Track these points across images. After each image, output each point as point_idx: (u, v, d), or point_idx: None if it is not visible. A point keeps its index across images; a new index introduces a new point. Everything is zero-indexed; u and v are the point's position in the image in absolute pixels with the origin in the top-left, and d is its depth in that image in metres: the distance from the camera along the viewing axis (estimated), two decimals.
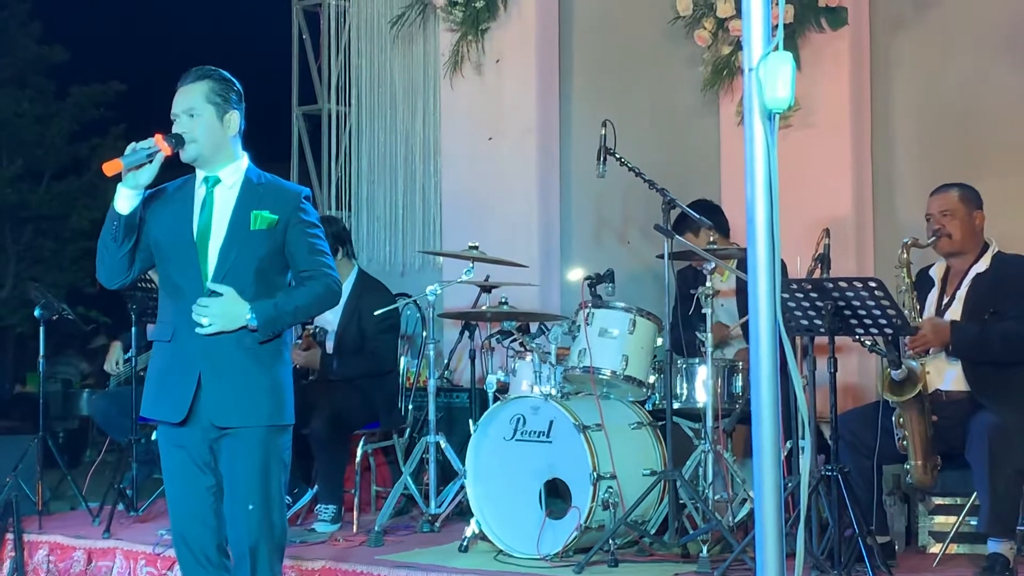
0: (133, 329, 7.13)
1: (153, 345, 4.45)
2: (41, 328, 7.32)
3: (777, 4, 2.22)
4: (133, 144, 4.17)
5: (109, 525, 6.73)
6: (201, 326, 4.17)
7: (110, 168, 4.11)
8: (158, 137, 4.15)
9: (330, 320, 6.82)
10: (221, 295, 4.16)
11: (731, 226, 6.72)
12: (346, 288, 6.87)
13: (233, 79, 4.38)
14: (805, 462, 2.11)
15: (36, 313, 7.29)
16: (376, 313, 6.78)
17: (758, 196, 2.13)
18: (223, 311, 4.16)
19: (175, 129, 4.24)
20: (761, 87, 2.09)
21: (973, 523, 5.47)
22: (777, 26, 2.17)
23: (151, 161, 4.14)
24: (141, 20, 17.96)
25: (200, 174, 4.34)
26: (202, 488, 4.29)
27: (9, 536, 6.74)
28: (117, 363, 7.72)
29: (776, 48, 2.10)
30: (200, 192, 4.33)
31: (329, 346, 6.88)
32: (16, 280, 14.61)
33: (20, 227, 14.80)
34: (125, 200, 4.17)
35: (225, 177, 4.33)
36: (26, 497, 6.95)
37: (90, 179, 15.05)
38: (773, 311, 2.15)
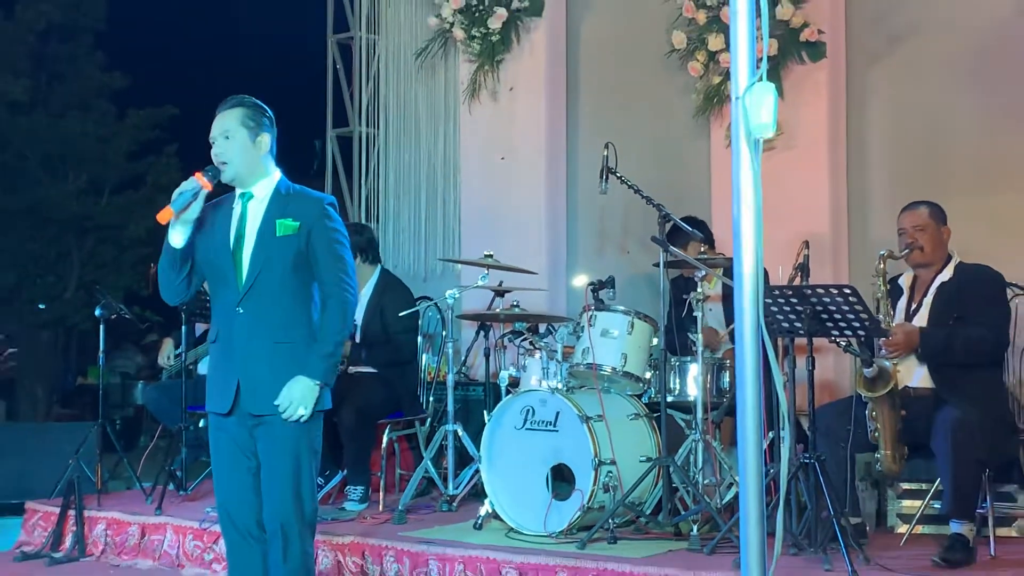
0: (183, 327, 7.16)
1: (210, 346, 4.50)
2: (101, 326, 7.33)
3: (761, 39, 2.20)
4: (179, 189, 4.19)
5: (161, 503, 6.74)
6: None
7: (164, 217, 4.17)
8: (198, 176, 4.18)
9: (356, 315, 6.86)
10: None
11: (717, 238, 6.72)
12: (369, 287, 6.96)
13: (264, 106, 4.43)
14: (785, 451, 2.10)
15: (97, 312, 7.32)
16: (401, 315, 6.81)
17: (744, 212, 2.13)
18: (300, 396, 4.22)
19: (214, 150, 4.27)
20: (747, 114, 2.08)
21: (937, 506, 5.46)
22: (761, 59, 2.16)
23: (196, 199, 4.17)
24: (192, 51, 17.97)
25: (237, 191, 4.38)
26: (243, 470, 4.33)
27: (71, 512, 6.76)
28: (168, 358, 7.74)
29: (760, 79, 2.10)
30: (237, 208, 4.36)
31: (356, 338, 6.89)
32: (79, 283, 14.62)
33: (84, 236, 14.82)
34: (178, 235, 4.23)
35: (257, 192, 4.36)
36: (87, 478, 6.97)
37: (146, 193, 15.09)
38: (756, 314, 2.14)
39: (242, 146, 4.29)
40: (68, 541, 6.76)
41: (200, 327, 7.43)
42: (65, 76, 15.20)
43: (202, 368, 7.50)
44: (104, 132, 15.00)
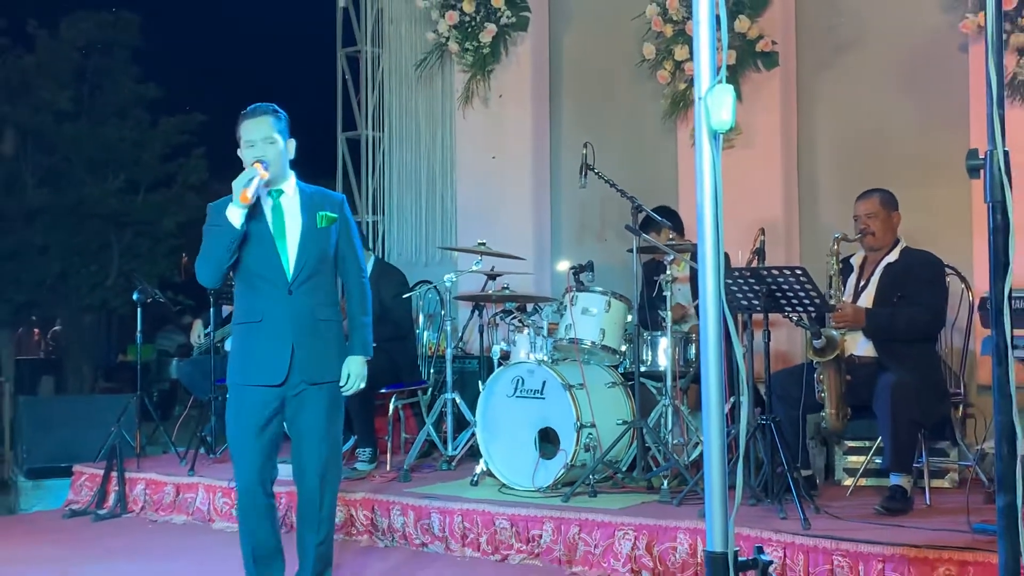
0: (211, 310, 7.16)
1: (237, 326, 4.39)
2: (138, 309, 7.34)
3: (721, 50, 2.20)
4: (243, 175, 4.15)
5: (193, 465, 6.76)
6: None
7: (244, 199, 4.12)
8: (257, 165, 4.15)
9: None
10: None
11: (685, 226, 6.72)
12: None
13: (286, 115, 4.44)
14: (743, 413, 2.10)
15: (134, 297, 7.32)
16: (403, 296, 6.83)
17: (706, 200, 2.13)
18: (356, 372, 4.41)
19: (254, 152, 4.24)
20: (708, 112, 2.08)
21: (878, 461, 5.49)
22: (721, 66, 2.16)
23: (253, 184, 4.14)
24: (217, 65, 17.93)
25: (264, 190, 4.31)
26: (270, 436, 4.34)
27: (114, 474, 6.79)
28: (199, 336, 7.74)
29: (720, 82, 2.10)
30: (268, 203, 4.32)
31: None
32: (119, 272, 14.58)
33: (122, 229, 14.79)
34: (238, 218, 4.18)
35: (286, 189, 4.36)
36: (127, 443, 7.00)
37: (177, 191, 15.08)
38: (719, 293, 2.14)
39: (280, 150, 4.30)
40: (111, 499, 6.77)
41: (226, 309, 7.42)
42: (104, 87, 15.16)
43: (228, 345, 7.49)
44: (139, 137, 14.99)
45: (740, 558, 2.01)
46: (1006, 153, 2.24)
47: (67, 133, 14.19)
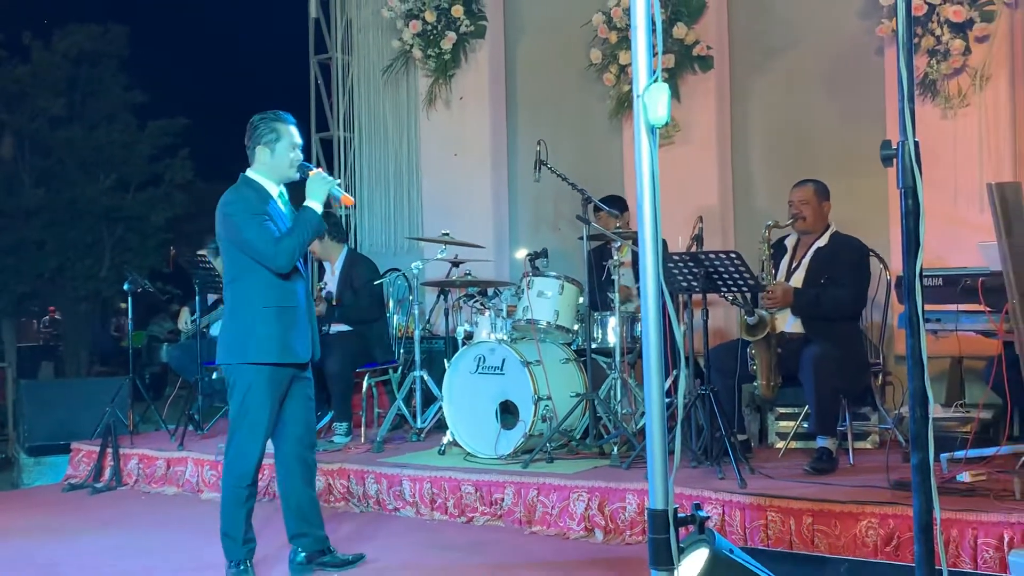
0: (197, 298, 7.10)
1: (270, 309, 4.24)
2: (129, 298, 7.29)
3: (657, 54, 2.19)
4: (331, 181, 4.34)
5: (182, 441, 6.73)
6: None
7: (348, 200, 4.50)
8: (348, 200, 4.53)
9: (331, 284, 6.87)
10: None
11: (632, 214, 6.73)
12: (340, 262, 6.97)
13: None
14: (681, 384, 2.10)
15: (124, 287, 7.27)
16: (374, 283, 6.80)
17: (645, 189, 2.13)
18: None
19: (298, 155, 4.37)
20: (646, 108, 2.08)
21: (806, 426, 5.53)
22: (657, 67, 2.15)
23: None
24: (199, 72, 17.83)
25: (274, 188, 4.36)
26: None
27: (109, 450, 6.74)
28: (186, 323, 7.68)
29: (656, 80, 2.09)
30: (279, 201, 4.36)
31: (332, 302, 6.85)
32: (111, 264, 14.48)
33: (113, 225, 14.68)
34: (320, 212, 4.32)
35: (283, 188, 4.43)
36: (121, 422, 6.95)
37: (164, 189, 15.00)
38: (658, 275, 2.14)
39: None
40: (107, 474, 6.72)
41: (211, 297, 7.37)
42: (95, 94, 15.05)
43: (214, 331, 7.44)
44: (128, 140, 14.90)
45: (680, 514, 2.01)
46: (916, 143, 2.25)
47: (61, 137, 14.13)
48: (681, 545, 2.21)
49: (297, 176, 4.36)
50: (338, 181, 4.39)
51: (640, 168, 2.12)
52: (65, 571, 4.74)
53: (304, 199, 4.32)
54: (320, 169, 4.36)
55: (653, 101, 2.03)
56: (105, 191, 14.50)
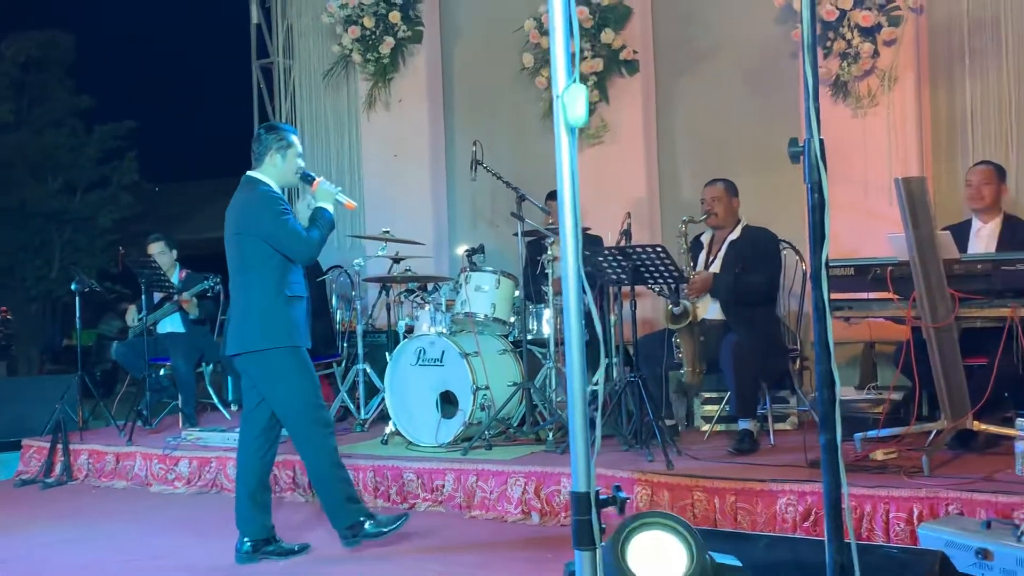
0: (143, 296, 6.98)
1: (289, 297, 4.41)
2: (77, 298, 7.14)
3: (575, 56, 2.19)
4: (334, 187, 4.60)
5: (131, 436, 6.63)
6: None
7: (351, 205, 4.66)
8: (351, 205, 4.68)
9: None
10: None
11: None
12: None
13: None
14: (600, 373, 2.11)
15: (72, 287, 7.14)
16: (318, 280, 6.74)
17: (565, 185, 2.13)
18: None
19: (302, 163, 4.59)
20: (565, 108, 2.08)
21: (729, 409, 5.59)
22: (575, 68, 2.15)
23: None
24: (145, 77, 17.62)
25: (281, 189, 4.59)
26: None
27: (60, 446, 6.61)
28: (133, 320, 7.55)
29: (575, 81, 2.09)
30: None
31: None
32: (61, 265, 14.26)
33: (62, 226, 14.45)
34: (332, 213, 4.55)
35: None
36: (71, 418, 6.85)
37: (112, 191, 14.82)
38: (579, 267, 2.15)
39: None
40: (57, 469, 6.60)
41: (157, 295, 7.25)
42: (42, 100, 14.81)
43: (161, 328, 7.32)
44: (76, 143, 14.70)
45: (602, 496, 2.02)
46: (821, 141, 2.28)
47: (10, 142, 13.91)
48: (631, 526, 2.25)
49: (298, 183, 4.63)
50: (340, 188, 4.63)
51: (560, 165, 2.12)
52: (16, 565, 4.64)
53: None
54: (322, 178, 4.60)
55: (572, 101, 2.03)
56: (53, 193, 14.30)
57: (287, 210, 4.41)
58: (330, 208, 4.52)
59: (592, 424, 2.00)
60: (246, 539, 4.43)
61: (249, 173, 4.52)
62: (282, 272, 4.38)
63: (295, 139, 4.56)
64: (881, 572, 2.67)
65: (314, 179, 4.58)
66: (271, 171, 4.50)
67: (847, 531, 2.30)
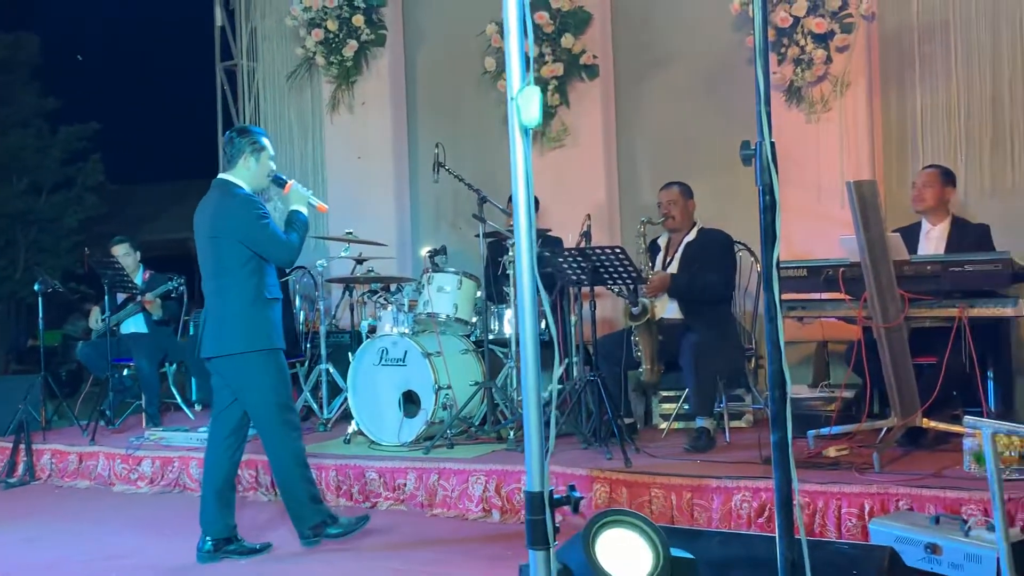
0: (106, 297, 6.89)
1: (268, 300, 4.40)
2: (40, 299, 7.03)
3: (529, 60, 2.16)
4: (307, 192, 4.59)
5: (94, 436, 6.52)
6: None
7: (323, 208, 4.65)
8: (323, 207, 4.65)
9: None
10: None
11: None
12: None
13: None
14: (556, 371, 2.10)
15: (36, 287, 7.03)
16: (281, 280, 6.66)
17: (520, 186, 2.11)
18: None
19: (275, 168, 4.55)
20: (519, 110, 2.06)
21: (687, 408, 5.60)
22: (529, 70, 2.13)
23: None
24: (110, 78, 17.40)
25: (260, 193, 4.57)
26: None
27: (22, 446, 6.49)
28: (96, 321, 7.45)
29: (529, 83, 2.08)
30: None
31: None
32: (26, 265, 14.07)
33: (27, 227, 14.24)
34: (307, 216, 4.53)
35: None
36: (34, 418, 6.75)
37: (76, 192, 14.63)
38: (532, 267, 2.13)
39: None
40: (20, 469, 6.49)
41: (120, 296, 7.15)
42: (8, 101, 14.58)
43: (124, 328, 7.23)
44: (41, 144, 14.49)
45: (556, 496, 2.00)
46: (772, 144, 2.28)
47: None
48: (600, 523, 2.24)
49: (269, 186, 4.58)
50: (311, 191, 4.63)
51: (515, 167, 2.10)
52: None
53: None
54: (294, 181, 4.56)
55: (526, 103, 2.01)
56: (18, 194, 14.09)
57: (266, 214, 4.36)
58: (304, 211, 4.50)
59: (547, 424, 1.98)
60: (208, 538, 4.37)
61: (221, 176, 4.45)
62: (260, 275, 4.35)
63: (267, 142, 4.51)
64: (831, 568, 2.68)
65: (286, 182, 4.53)
66: (244, 174, 4.43)
67: (797, 527, 2.30)
